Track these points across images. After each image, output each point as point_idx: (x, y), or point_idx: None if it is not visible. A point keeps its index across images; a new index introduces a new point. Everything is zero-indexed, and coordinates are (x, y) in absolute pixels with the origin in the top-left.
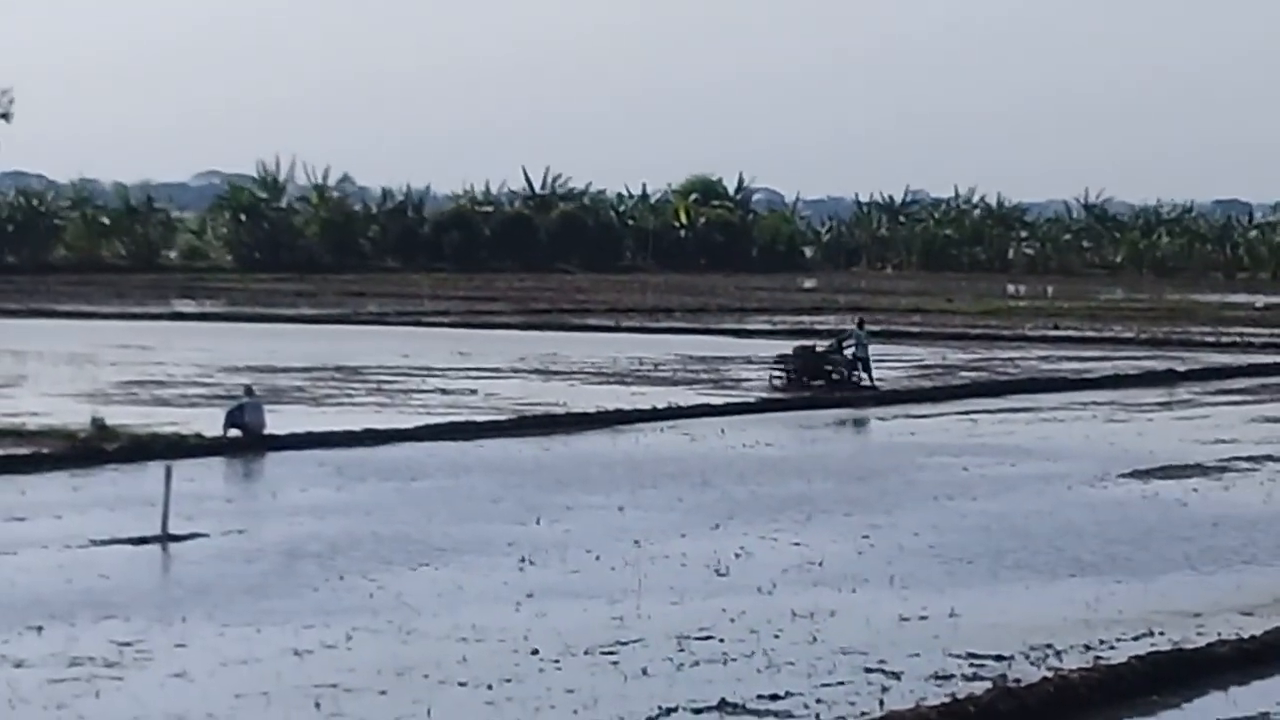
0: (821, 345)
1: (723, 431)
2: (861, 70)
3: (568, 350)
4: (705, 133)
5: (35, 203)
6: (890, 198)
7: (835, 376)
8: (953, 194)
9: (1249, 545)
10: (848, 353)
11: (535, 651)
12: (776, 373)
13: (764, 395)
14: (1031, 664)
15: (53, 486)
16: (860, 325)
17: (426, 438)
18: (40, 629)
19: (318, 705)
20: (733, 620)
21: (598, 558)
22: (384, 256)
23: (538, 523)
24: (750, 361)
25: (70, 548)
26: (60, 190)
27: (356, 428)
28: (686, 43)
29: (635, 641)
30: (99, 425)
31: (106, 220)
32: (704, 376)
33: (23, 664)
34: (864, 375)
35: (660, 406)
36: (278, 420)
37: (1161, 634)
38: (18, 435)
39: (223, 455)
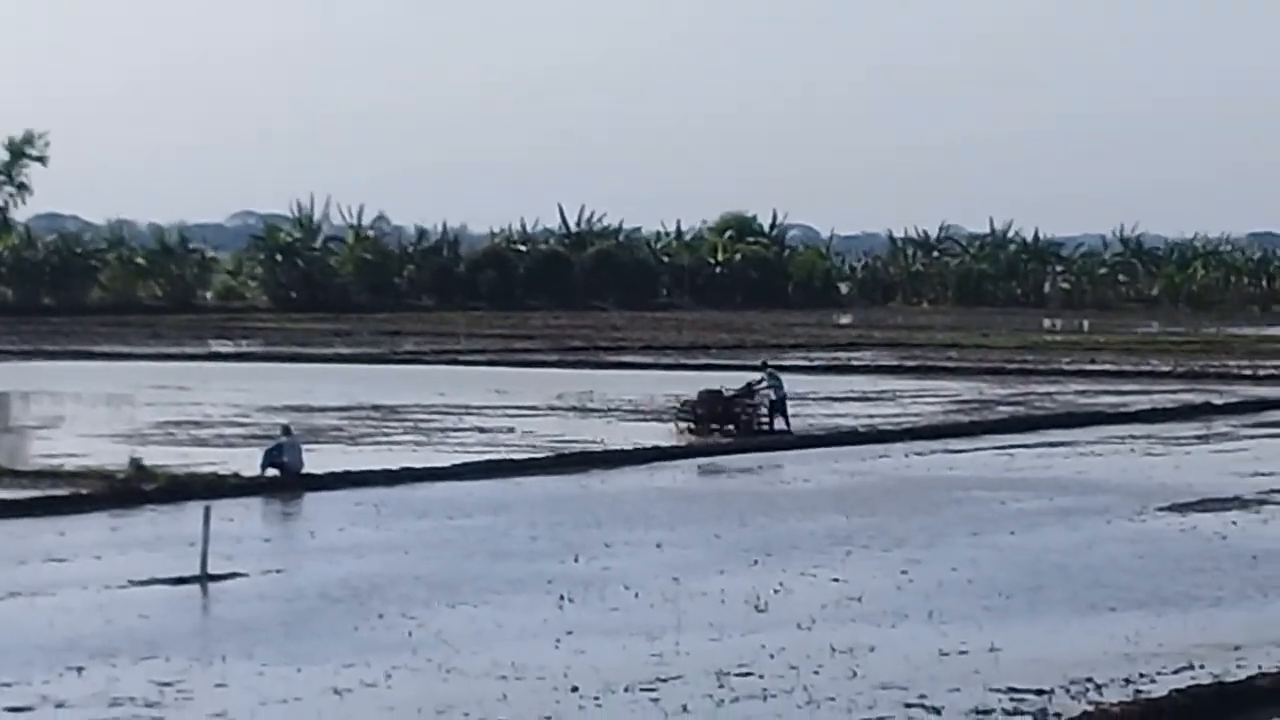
0: (729, 389)
1: (760, 468)
2: (895, 104)
3: (604, 387)
4: (740, 169)
5: (72, 245)
6: (925, 233)
7: (744, 420)
8: (988, 229)
9: None
10: (761, 397)
11: (575, 689)
12: (683, 418)
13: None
14: (1072, 698)
15: (92, 527)
16: (764, 367)
17: (464, 476)
18: (81, 670)
19: None
20: (772, 656)
21: (636, 595)
22: (419, 295)
23: (576, 560)
24: (787, 398)
25: (110, 588)
26: (96, 232)
27: (394, 466)
28: (720, 78)
29: (675, 678)
30: (137, 466)
31: (142, 261)
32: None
33: (64, 705)
34: (780, 419)
35: (697, 443)
36: (315, 459)
37: (1202, 667)
38: (56, 476)
39: (261, 495)
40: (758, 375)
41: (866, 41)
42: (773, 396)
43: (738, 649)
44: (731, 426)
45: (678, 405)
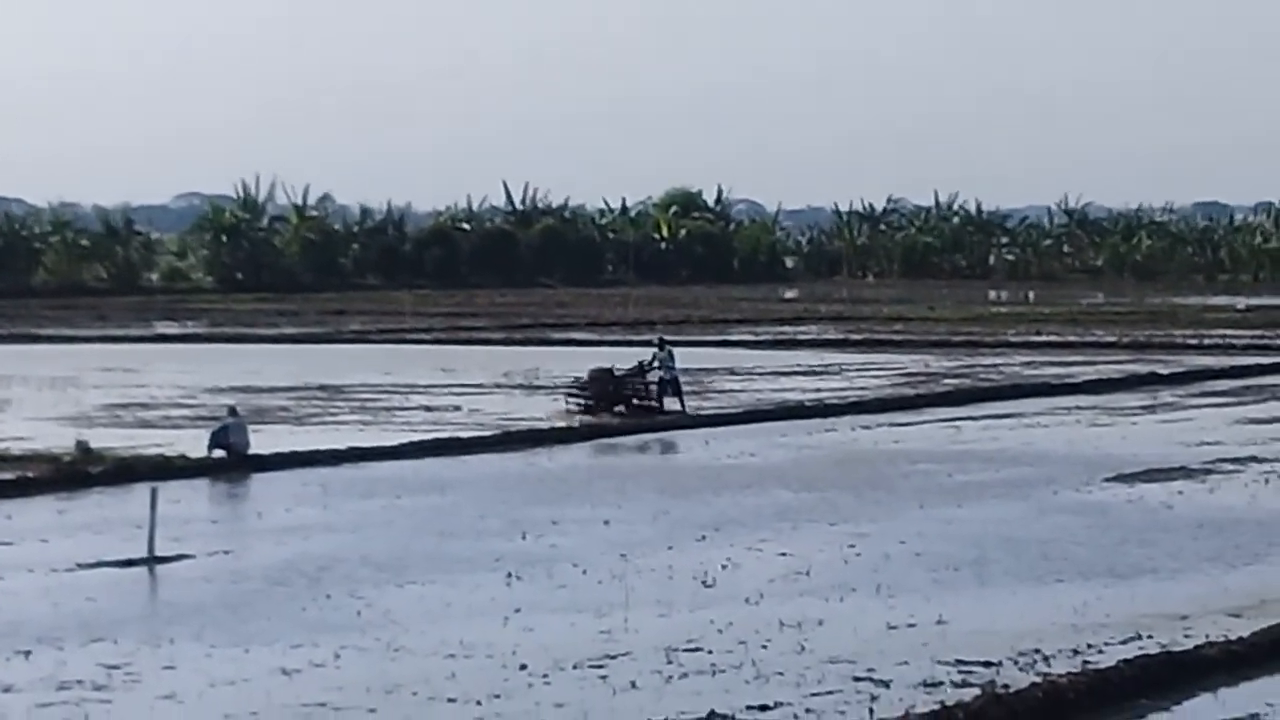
0: (620, 368)
1: (707, 443)
2: (839, 79)
3: (551, 364)
4: (684, 145)
5: (15, 227)
6: (870, 206)
7: (636, 402)
8: (933, 202)
9: (1235, 547)
10: (654, 376)
11: (524, 667)
12: (572, 400)
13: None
14: (1020, 670)
15: (38, 511)
16: (661, 345)
17: (411, 455)
18: (28, 653)
19: None
20: (720, 631)
21: (584, 572)
22: (365, 274)
23: (524, 538)
24: (733, 373)
25: (57, 571)
26: (40, 214)
27: (341, 446)
28: (664, 55)
29: (623, 655)
30: (83, 449)
31: (87, 244)
32: (687, 389)
33: (11, 688)
34: (675, 398)
35: (649, 421)
36: (262, 440)
37: (1149, 637)
38: (2, 460)
39: (208, 476)
40: (649, 353)
41: (811, 16)
42: (664, 376)
43: (686, 625)
44: (621, 407)
45: (568, 386)
